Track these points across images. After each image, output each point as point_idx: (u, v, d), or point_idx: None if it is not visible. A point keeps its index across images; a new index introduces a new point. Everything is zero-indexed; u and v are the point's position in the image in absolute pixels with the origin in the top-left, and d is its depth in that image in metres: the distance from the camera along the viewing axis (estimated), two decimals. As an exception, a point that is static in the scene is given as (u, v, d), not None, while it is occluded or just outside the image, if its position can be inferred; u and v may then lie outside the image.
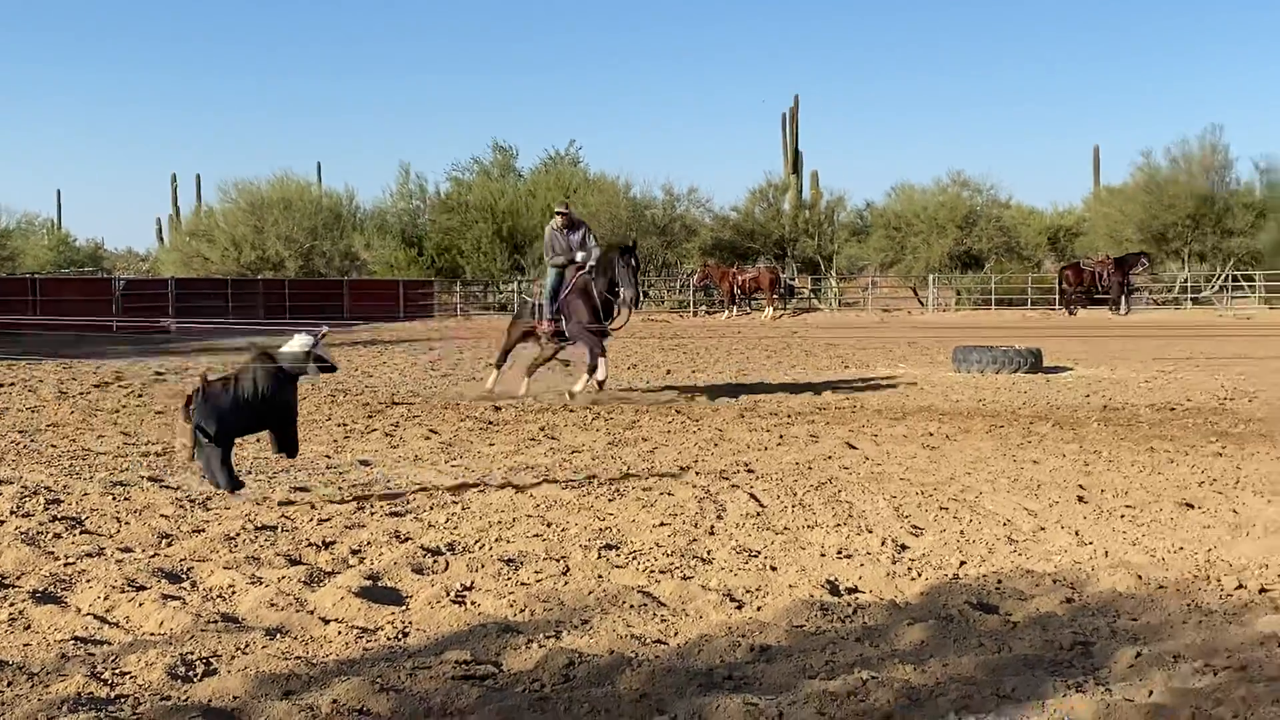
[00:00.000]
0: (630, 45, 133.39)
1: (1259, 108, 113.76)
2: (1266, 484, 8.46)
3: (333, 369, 8.36)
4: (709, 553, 6.53)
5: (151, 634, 5.08)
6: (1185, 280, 46.68)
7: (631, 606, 5.43)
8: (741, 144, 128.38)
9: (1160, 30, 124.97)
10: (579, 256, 15.09)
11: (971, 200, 52.32)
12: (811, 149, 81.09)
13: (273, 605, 5.48)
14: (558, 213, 15.47)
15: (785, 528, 7.19)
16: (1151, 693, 4.09)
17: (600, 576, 6.00)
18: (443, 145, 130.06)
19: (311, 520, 7.38)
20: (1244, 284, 46.44)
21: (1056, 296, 44.45)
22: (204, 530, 7.06)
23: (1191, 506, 7.71)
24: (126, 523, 7.25)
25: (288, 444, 8.14)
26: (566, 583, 5.89)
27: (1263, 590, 5.63)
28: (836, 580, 5.94)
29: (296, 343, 8.02)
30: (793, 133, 54.86)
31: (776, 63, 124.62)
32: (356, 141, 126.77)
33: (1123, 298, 41.79)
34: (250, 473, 9.12)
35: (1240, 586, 5.67)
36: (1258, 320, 37.88)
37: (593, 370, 14.72)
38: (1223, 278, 46.04)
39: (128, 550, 6.53)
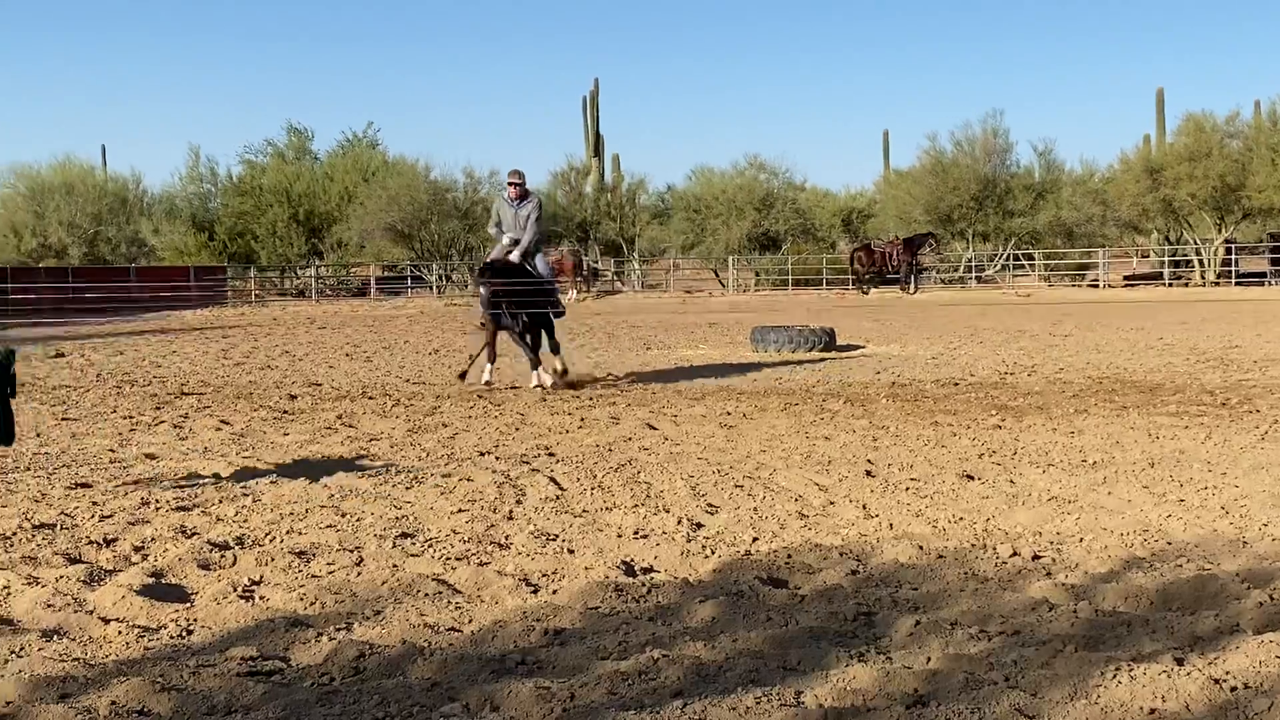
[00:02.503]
0: (429, 26, 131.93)
1: (1037, 94, 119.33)
2: (1042, 455, 8.87)
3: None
4: (507, 538, 6.51)
5: (-84, 643, 4.81)
6: (970, 259, 48.63)
7: (426, 595, 5.37)
8: (543, 127, 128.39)
9: (947, 19, 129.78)
10: (508, 239, 14.15)
11: (768, 183, 53.58)
12: (612, 133, 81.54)
13: (50, 606, 5.24)
14: (511, 183, 14.33)
15: (584, 510, 7.22)
16: (929, 659, 4.25)
17: (395, 566, 5.91)
18: (235, 128, 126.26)
19: (93, 517, 7.08)
20: (1024, 262, 48.65)
21: (850, 277, 45.75)
22: (-25, 531, 6.71)
23: (972, 478, 8.03)
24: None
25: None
26: (359, 574, 5.79)
27: (1035, 557, 5.90)
28: (632, 561, 6.00)
29: None
30: (593, 116, 55.12)
31: (577, 46, 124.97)
32: (144, 124, 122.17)
33: (912, 277, 43.26)
34: (29, 469, 8.73)
35: (1014, 554, 5.93)
36: (1037, 297, 39.71)
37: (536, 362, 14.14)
38: (1005, 257, 48.12)
39: (-111, 556, 6.16)
